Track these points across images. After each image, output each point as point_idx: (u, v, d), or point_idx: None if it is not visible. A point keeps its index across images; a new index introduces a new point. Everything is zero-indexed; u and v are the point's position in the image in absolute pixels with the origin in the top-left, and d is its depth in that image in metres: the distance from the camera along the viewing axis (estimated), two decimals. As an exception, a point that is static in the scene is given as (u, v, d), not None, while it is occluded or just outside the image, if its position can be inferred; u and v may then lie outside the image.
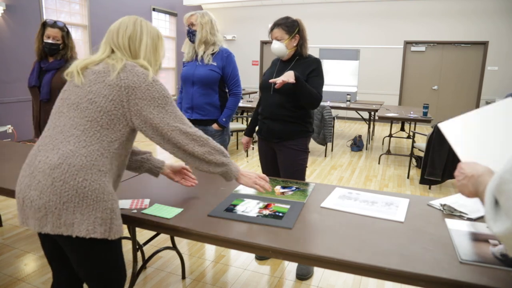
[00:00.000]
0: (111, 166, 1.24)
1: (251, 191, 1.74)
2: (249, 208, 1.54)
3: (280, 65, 2.31)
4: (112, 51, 1.32)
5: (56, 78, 2.65)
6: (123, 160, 1.32)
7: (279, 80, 2.04)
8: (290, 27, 2.18)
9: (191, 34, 2.53)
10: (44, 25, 2.61)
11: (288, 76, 2.05)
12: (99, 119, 1.21)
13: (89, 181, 1.16)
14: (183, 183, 1.73)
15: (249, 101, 6.90)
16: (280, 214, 1.47)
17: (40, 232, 1.20)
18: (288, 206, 1.56)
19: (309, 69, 2.22)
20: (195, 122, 2.59)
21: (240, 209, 1.53)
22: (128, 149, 1.33)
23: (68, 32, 2.69)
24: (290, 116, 2.23)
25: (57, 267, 1.39)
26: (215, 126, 2.60)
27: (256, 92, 8.73)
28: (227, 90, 2.67)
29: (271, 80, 2.12)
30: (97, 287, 1.31)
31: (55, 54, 2.65)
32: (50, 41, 2.60)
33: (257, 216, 1.46)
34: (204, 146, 1.36)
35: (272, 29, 2.23)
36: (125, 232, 2.81)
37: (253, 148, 6.03)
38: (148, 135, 1.29)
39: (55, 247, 1.33)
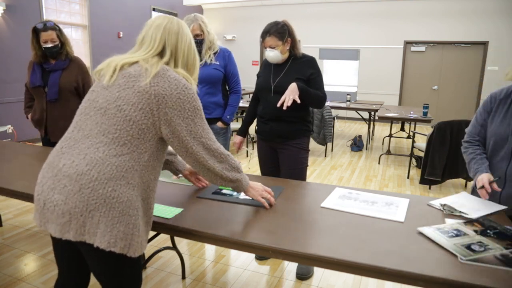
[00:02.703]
0: (141, 180, 1.18)
1: None
2: (234, 192, 1.70)
3: (275, 66, 2.29)
4: (161, 52, 1.25)
5: (64, 78, 2.66)
6: (156, 174, 1.25)
7: (288, 102, 2.05)
8: (282, 33, 2.17)
9: (199, 44, 2.51)
10: (36, 31, 2.58)
11: (294, 93, 2.07)
12: (129, 129, 1.15)
13: (118, 192, 1.11)
14: (197, 183, 1.77)
15: (249, 101, 6.89)
16: None
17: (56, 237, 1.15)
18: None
19: (308, 71, 2.22)
20: None
21: (226, 192, 1.70)
22: (159, 161, 1.26)
23: (60, 29, 2.69)
24: (293, 116, 2.24)
25: (68, 272, 1.37)
26: (220, 124, 2.63)
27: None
28: (227, 89, 2.69)
29: (279, 105, 2.09)
30: None
31: (57, 55, 2.65)
32: (49, 45, 2.59)
33: (241, 198, 1.64)
34: (223, 163, 1.34)
35: (263, 37, 2.20)
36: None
37: (252, 149, 6.03)
38: (173, 146, 1.24)
39: (71, 252, 1.30)
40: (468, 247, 1.21)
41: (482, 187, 1.58)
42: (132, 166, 1.15)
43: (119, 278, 1.25)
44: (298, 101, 2.08)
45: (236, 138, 2.55)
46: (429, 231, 1.32)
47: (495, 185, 1.57)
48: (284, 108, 2.08)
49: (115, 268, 1.21)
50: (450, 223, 1.41)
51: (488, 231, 1.34)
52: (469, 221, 1.41)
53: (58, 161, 1.16)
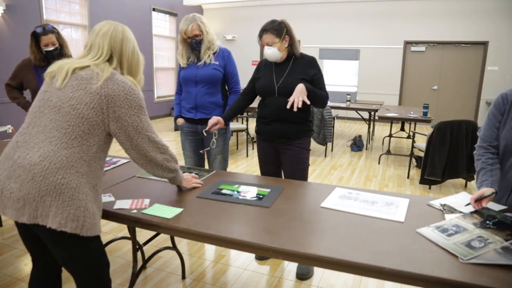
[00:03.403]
0: (90, 169, 1.31)
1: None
2: (234, 191, 1.75)
3: (276, 67, 2.28)
4: (109, 58, 1.38)
5: None
6: (102, 164, 1.39)
7: (299, 104, 2.05)
8: (278, 30, 2.17)
9: (198, 44, 2.50)
10: (36, 35, 2.59)
11: (303, 94, 2.07)
12: (81, 125, 1.28)
13: (67, 180, 1.24)
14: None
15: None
16: (261, 196, 1.68)
17: (17, 222, 1.28)
18: (268, 190, 1.77)
19: (311, 71, 2.22)
20: (199, 122, 2.59)
21: (226, 192, 1.73)
22: (105, 152, 1.40)
23: (58, 32, 2.70)
24: (297, 117, 2.24)
25: (35, 256, 1.48)
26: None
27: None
28: (227, 89, 2.68)
29: (288, 106, 2.08)
30: (77, 277, 1.39)
31: (59, 57, 2.66)
32: (50, 48, 2.61)
33: (241, 198, 1.67)
34: (164, 154, 1.51)
35: (260, 35, 2.22)
36: (125, 232, 2.81)
37: (252, 149, 6.03)
38: (120, 140, 1.39)
39: (33, 238, 1.39)
40: (468, 244, 1.21)
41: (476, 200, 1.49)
42: (81, 157, 1.28)
43: (76, 261, 1.34)
44: (308, 102, 2.09)
45: (213, 119, 2.31)
46: (428, 231, 1.32)
47: (485, 201, 1.48)
48: (295, 109, 2.07)
49: (70, 250, 1.31)
50: (449, 218, 1.41)
51: (488, 222, 1.34)
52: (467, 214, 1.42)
53: (13, 153, 1.28)
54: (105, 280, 1.43)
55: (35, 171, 1.22)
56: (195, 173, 2.02)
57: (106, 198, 1.64)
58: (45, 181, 1.22)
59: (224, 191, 1.74)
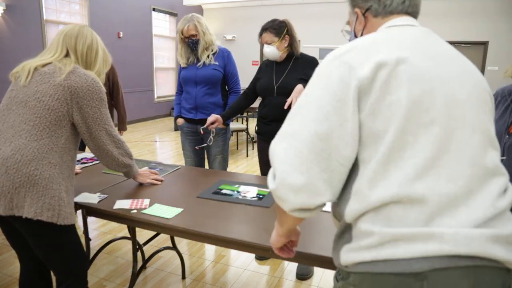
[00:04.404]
0: (61, 160, 1.36)
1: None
2: (234, 191, 1.77)
3: (277, 67, 2.29)
4: (66, 54, 1.44)
5: None
6: (73, 155, 1.45)
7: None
8: (278, 29, 2.18)
9: (195, 44, 2.51)
10: None
11: (301, 93, 2.06)
12: (48, 116, 1.33)
13: (40, 171, 1.28)
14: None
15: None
16: (261, 196, 1.69)
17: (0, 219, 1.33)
18: (269, 190, 1.75)
19: (310, 72, 2.21)
20: (199, 122, 2.59)
21: (226, 192, 1.74)
22: (75, 144, 1.45)
23: None
24: None
25: (20, 252, 1.50)
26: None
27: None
28: (227, 89, 2.68)
29: (286, 106, 2.07)
30: (55, 270, 1.43)
31: None
32: None
33: (241, 198, 1.68)
34: (119, 148, 1.56)
35: (260, 34, 2.24)
36: (125, 232, 2.82)
37: (252, 149, 6.04)
38: (81, 130, 1.43)
39: (15, 233, 1.42)
40: None
41: None
42: (51, 148, 1.33)
43: (52, 252, 1.38)
44: None
45: (211, 117, 2.35)
46: None
47: None
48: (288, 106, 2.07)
49: (46, 240, 1.35)
50: None
51: None
52: None
53: None
54: (82, 272, 1.48)
55: (8, 164, 1.26)
56: (160, 169, 2.08)
57: (95, 198, 1.65)
58: (18, 173, 1.26)
59: (224, 191, 1.75)
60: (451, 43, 8.86)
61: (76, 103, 1.38)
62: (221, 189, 1.78)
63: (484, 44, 8.14)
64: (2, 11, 5.34)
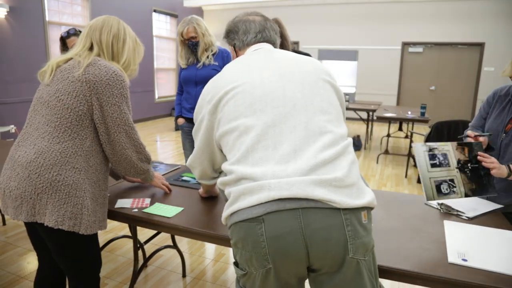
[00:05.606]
0: (87, 164, 1.28)
1: None
2: (192, 178, 1.93)
3: None
4: (91, 47, 1.36)
5: None
6: (101, 158, 1.35)
7: None
8: None
9: (195, 46, 2.55)
10: (62, 39, 2.72)
11: None
12: (68, 116, 1.25)
13: (63, 176, 1.22)
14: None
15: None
16: None
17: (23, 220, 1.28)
18: None
19: None
20: None
21: (187, 179, 1.91)
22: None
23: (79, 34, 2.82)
24: None
25: (40, 254, 1.48)
26: None
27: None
28: None
29: None
30: (70, 274, 1.40)
31: None
32: None
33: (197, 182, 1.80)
34: (140, 154, 1.42)
35: None
36: (126, 231, 2.85)
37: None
38: (100, 131, 1.31)
39: (37, 235, 1.40)
40: (438, 186, 1.36)
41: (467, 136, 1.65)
42: (75, 152, 1.25)
43: (71, 259, 1.34)
44: None
45: None
46: (420, 150, 1.42)
47: (480, 138, 1.62)
48: None
49: (66, 247, 1.30)
50: (446, 144, 1.48)
51: (469, 164, 1.46)
52: (460, 145, 1.51)
53: (15, 153, 1.30)
54: (96, 279, 1.44)
55: (31, 168, 1.21)
56: (161, 168, 2.12)
57: (128, 202, 1.64)
58: (40, 178, 1.20)
59: (185, 178, 1.91)
60: (448, 44, 8.91)
61: (97, 99, 1.26)
62: (182, 176, 1.95)
63: (481, 45, 8.17)
64: (6, 13, 5.37)
